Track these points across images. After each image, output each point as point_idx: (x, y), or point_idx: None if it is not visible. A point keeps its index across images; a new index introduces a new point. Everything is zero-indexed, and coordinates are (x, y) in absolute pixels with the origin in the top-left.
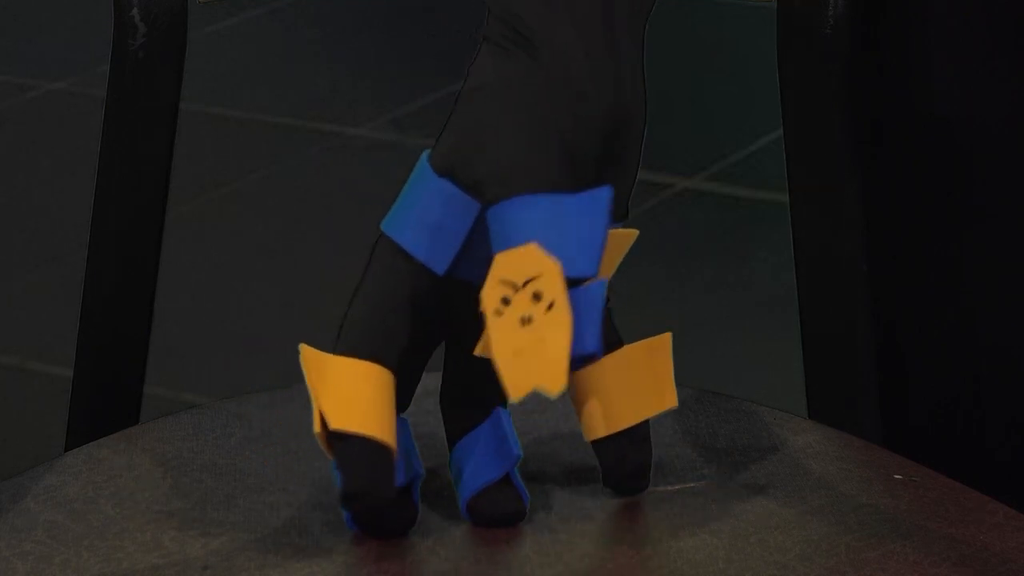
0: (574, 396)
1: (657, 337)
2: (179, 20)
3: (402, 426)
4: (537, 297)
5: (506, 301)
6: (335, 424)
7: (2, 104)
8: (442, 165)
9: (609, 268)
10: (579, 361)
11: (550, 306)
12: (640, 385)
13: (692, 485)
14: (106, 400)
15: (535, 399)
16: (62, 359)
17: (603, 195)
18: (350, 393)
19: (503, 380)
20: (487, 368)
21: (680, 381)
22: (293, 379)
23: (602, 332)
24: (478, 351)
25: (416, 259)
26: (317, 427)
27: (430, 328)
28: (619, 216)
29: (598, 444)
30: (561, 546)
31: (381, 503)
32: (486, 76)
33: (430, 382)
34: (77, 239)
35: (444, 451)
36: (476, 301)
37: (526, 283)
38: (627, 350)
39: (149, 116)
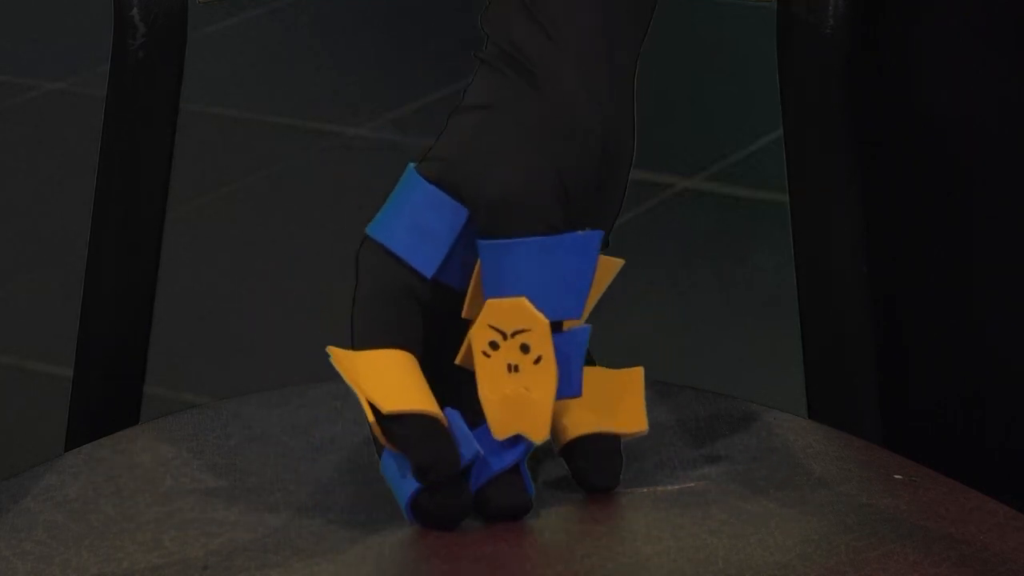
0: None
1: (631, 368)
2: (179, 20)
3: (452, 417)
4: (525, 349)
5: (494, 345)
6: (387, 407)
7: (2, 104)
8: (432, 176)
9: (593, 296)
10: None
11: (537, 360)
12: (610, 404)
13: (692, 485)
14: (106, 400)
15: None
16: (62, 359)
17: (594, 239)
18: (387, 378)
19: (488, 420)
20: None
21: (680, 381)
22: (293, 379)
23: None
24: (458, 361)
25: (404, 262)
26: (371, 417)
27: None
28: (602, 247)
29: (566, 449)
30: (561, 546)
31: (453, 471)
32: (484, 98)
33: None
34: (77, 239)
35: None
36: (458, 306)
37: (515, 333)
38: (600, 371)
39: (149, 116)
